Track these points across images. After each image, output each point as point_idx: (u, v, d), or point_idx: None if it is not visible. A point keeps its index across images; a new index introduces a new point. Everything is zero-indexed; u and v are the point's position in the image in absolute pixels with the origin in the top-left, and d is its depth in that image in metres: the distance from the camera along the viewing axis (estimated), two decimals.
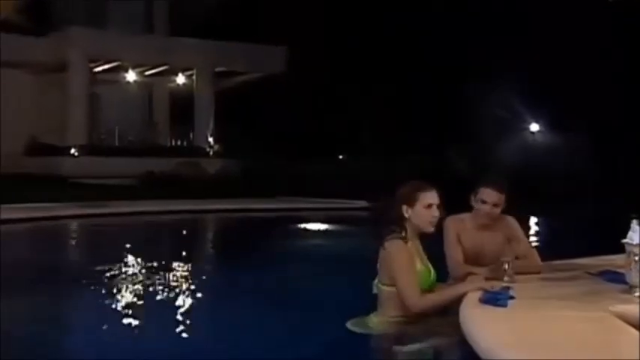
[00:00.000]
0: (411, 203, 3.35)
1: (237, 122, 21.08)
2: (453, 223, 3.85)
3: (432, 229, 3.39)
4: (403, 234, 3.33)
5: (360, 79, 21.07)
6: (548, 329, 2.50)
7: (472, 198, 3.85)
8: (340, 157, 23.35)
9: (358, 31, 21.44)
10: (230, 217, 12.86)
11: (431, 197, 3.37)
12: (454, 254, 3.78)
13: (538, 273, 3.65)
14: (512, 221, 3.90)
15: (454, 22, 19.59)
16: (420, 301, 3.21)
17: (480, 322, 2.64)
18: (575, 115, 17.43)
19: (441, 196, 3.40)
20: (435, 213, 3.37)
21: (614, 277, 3.44)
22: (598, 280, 3.47)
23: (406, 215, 3.36)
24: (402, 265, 3.27)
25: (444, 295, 3.27)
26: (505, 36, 18.29)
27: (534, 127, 21.79)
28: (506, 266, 3.36)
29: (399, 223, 3.37)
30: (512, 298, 2.98)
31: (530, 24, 18.25)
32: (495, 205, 3.76)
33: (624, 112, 17.46)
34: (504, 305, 2.87)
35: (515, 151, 17.45)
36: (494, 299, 2.93)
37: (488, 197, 3.78)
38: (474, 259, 3.80)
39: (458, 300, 3.12)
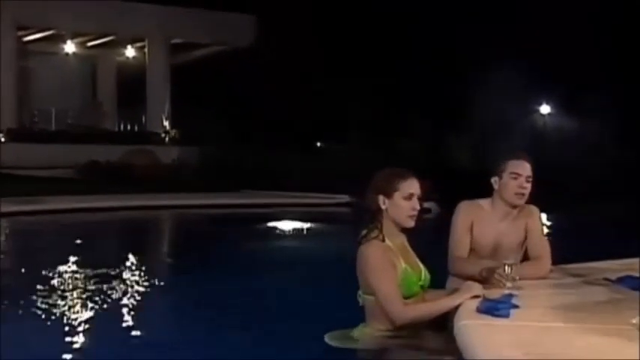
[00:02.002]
0: (388, 193, 3.34)
1: (197, 104, 20.98)
2: (468, 208, 3.77)
3: (412, 224, 3.38)
4: (376, 233, 3.32)
5: (344, 57, 21.10)
6: (557, 344, 2.51)
7: (494, 180, 3.77)
8: (319, 144, 23.40)
9: (344, 2, 21.49)
10: (189, 214, 12.83)
11: (412, 186, 3.36)
12: (458, 245, 3.70)
13: (544, 278, 3.65)
14: (534, 211, 3.84)
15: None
16: (403, 313, 3.19)
17: (477, 335, 2.64)
18: (596, 92, 17.53)
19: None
20: (416, 205, 3.36)
21: (637, 283, 3.47)
22: (617, 288, 3.49)
23: (383, 207, 3.35)
24: (377, 270, 3.25)
25: (433, 305, 3.24)
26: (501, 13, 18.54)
27: (545, 108, 22.02)
28: (509, 269, 3.34)
29: (374, 218, 3.36)
30: (515, 307, 2.98)
31: None
32: (528, 178, 3.71)
33: None
34: (506, 315, 2.87)
35: (523, 138, 17.60)
36: (494, 308, 2.93)
37: (522, 168, 3.70)
38: (491, 254, 3.73)
39: (454, 309, 3.11)
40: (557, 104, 21.34)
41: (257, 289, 5.62)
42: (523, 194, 3.73)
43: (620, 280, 3.69)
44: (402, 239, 3.44)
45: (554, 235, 10.74)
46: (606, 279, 3.75)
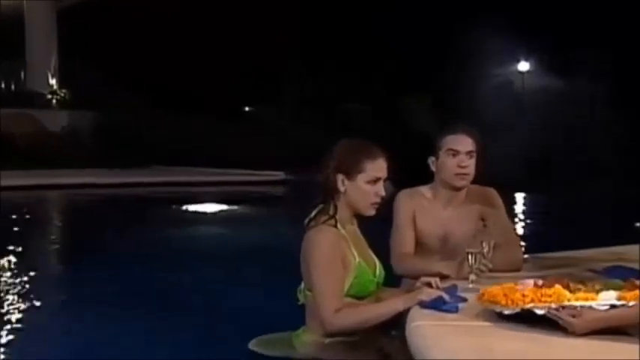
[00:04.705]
0: (350, 174, 3.33)
1: (93, 58, 20.62)
2: (407, 197, 3.87)
3: (372, 213, 3.40)
4: (328, 216, 3.33)
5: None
6: (529, 349, 2.60)
7: (431, 161, 3.89)
8: (247, 109, 23.33)
9: None
10: (82, 195, 12.67)
11: (380, 169, 3.36)
12: (399, 241, 3.80)
13: (517, 270, 3.75)
14: (491, 194, 3.94)
15: None
16: (336, 318, 3.20)
17: (431, 338, 2.72)
18: (585, 46, 17.79)
19: (390, 166, 3.42)
20: (381, 191, 3.36)
21: (626, 275, 3.58)
22: (604, 280, 3.60)
23: (341, 189, 3.36)
24: (322, 261, 3.25)
25: (372, 310, 3.25)
26: None
27: (523, 65, 22.28)
28: (472, 260, 3.43)
29: (327, 198, 3.38)
30: (464, 300, 3.08)
31: None
32: (470, 154, 3.83)
33: None
34: (453, 310, 2.97)
35: (497, 101, 17.87)
36: (442, 303, 3.03)
37: (460, 144, 3.79)
38: (439, 247, 3.84)
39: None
40: (538, 61, 21.68)
41: (167, 285, 5.63)
42: (464, 174, 3.81)
43: (608, 272, 3.78)
44: (355, 229, 3.48)
45: (532, 221, 11.10)
46: (591, 270, 3.85)
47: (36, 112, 20.39)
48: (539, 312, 2.67)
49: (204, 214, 10.82)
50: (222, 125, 18.92)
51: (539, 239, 8.23)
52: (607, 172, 14.62)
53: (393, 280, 3.68)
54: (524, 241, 7.97)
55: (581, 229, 8.22)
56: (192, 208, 11.02)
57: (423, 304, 3.05)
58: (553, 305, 2.68)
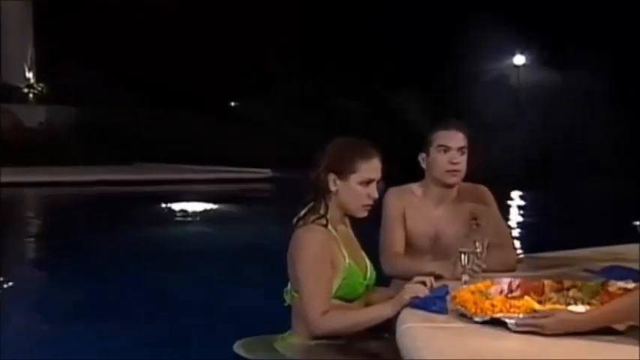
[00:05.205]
0: (343, 174, 3.34)
1: (73, 50, 20.58)
2: (397, 195, 3.89)
3: (364, 214, 3.41)
4: (319, 215, 3.34)
5: None
6: (524, 349, 2.62)
7: (421, 157, 3.90)
8: (233, 104, 23.34)
9: None
10: (62, 194, 12.64)
11: (373, 170, 3.37)
12: (389, 241, 3.82)
13: (512, 271, 3.77)
14: (483, 192, 3.97)
15: None
16: (322, 320, 3.19)
17: (422, 339, 2.73)
18: (581, 40, 17.87)
19: (384, 167, 3.43)
20: (374, 193, 3.37)
21: (624, 275, 3.61)
22: (601, 281, 3.62)
23: (333, 189, 3.37)
24: (311, 261, 3.26)
25: (361, 315, 3.27)
26: None
27: (519, 59, 22.36)
28: (465, 260, 3.44)
29: (318, 197, 3.39)
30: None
31: None
32: (461, 150, 3.85)
33: None
34: (442, 311, 2.98)
35: (496, 97, 17.92)
36: (431, 303, 3.04)
37: (451, 140, 3.82)
38: (430, 247, 3.86)
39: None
40: (535, 54, 21.74)
41: (151, 286, 5.65)
42: (456, 170, 3.84)
43: (606, 272, 3.81)
44: (347, 227, 3.49)
45: (528, 220, 11.14)
46: (588, 270, 3.88)
47: (12, 106, 20.33)
48: (510, 322, 2.68)
49: (189, 212, 10.82)
50: (210, 122, 18.94)
51: (534, 238, 8.28)
52: (607, 171, 14.69)
53: (384, 281, 3.68)
54: (520, 240, 8.02)
55: (579, 227, 8.26)
56: (176, 206, 11.02)
57: (413, 304, 3.07)
58: (521, 315, 2.69)
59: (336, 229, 3.36)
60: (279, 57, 21.04)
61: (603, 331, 2.62)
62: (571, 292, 2.94)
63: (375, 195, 3.36)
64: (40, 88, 21.85)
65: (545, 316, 2.65)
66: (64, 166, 14.79)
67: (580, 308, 2.77)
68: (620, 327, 2.64)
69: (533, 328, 2.63)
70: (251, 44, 21.11)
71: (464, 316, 2.80)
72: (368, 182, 3.34)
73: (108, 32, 21.66)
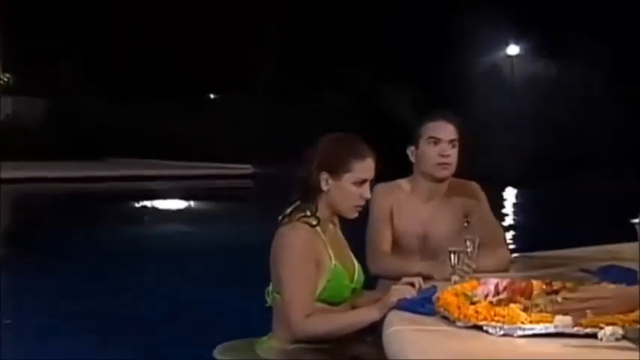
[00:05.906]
0: (336, 173, 3.33)
1: (44, 36, 20.49)
2: (384, 191, 3.87)
3: (354, 215, 3.42)
4: (306, 214, 3.34)
5: None
6: (517, 349, 2.64)
7: (410, 151, 3.90)
8: (212, 96, 23.31)
9: None
10: (28, 190, 12.59)
11: (367, 170, 3.37)
12: (376, 239, 3.82)
13: (505, 271, 3.78)
14: (474, 188, 3.98)
15: None
16: (305, 323, 3.19)
17: (409, 342, 2.74)
18: (576, 30, 17.90)
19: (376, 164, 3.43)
20: (367, 193, 3.37)
21: (622, 275, 3.62)
22: (593, 282, 3.64)
23: (324, 188, 3.37)
24: (294, 260, 3.25)
25: (345, 318, 3.26)
26: None
27: (513, 49, 22.41)
28: (455, 260, 3.44)
29: (307, 195, 3.38)
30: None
31: None
32: (452, 143, 3.85)
33: None
34: (430, 313, 2.98)
35: (485, 90, 17.97)
36: (417, 303, 3.05)
37: (442, 131, 3.82)
38: (419, 246, 3.87)
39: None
40: (529, 44, 21.80)
41: (125, 289, 5.66)
42: (447, 163, 3.84)
43: (603, 272, 3.82)
44: (335, 226, 3.49)
45: (523, 218, 11.17)
46: (584, 270, 3.89)
47: None
48: (491, 331, 2.68)
49: (164, 211, 10.81)
50: (189, 114, 18.89)
51: (526, 235, 8.33)
52: (603, 164, 14.77)
53: (372, 282, 3.69)
54: (512, 238, 8.05)
55: (574, 224, 8.31)
56: (151, 204, 11.00)
57: (401, 306, 3.07)
58: (505, 326, 2.71)
59: (323, 229, 3.37)
60: (265, 47, 21.07)
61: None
62: (560, 295, 2.94)
63: (368, 195, 3.36)
64: (6, 79, 21.77)
65: (604, 297, 2.67)
66: (32, 161, 14.72)
67: (567, 320, 2.77)
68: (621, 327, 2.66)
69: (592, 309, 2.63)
70: (234, 35, 21.10)
71: (447, 319, 2.82)
72: (361, 182, 3.33)
73: (78, 21, 21.59)
